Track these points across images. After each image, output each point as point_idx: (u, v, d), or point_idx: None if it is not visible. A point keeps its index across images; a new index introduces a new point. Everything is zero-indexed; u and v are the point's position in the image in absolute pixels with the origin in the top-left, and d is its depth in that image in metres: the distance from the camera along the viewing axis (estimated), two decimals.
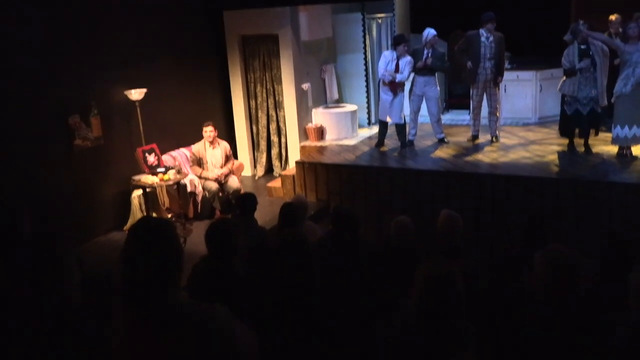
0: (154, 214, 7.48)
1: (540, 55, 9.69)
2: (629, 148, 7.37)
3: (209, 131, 7.80)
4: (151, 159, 7.64)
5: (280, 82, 9.30)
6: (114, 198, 7.64)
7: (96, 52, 7.30)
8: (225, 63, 9.52)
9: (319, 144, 9.24)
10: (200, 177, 7.84)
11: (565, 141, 7.93)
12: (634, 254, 3.75)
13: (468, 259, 4.37)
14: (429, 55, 8.27)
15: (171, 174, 7.40)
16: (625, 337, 2.87)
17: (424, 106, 8.66)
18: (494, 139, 8.56)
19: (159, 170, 7.42)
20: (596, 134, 8.08)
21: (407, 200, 7.53)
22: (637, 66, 6.98)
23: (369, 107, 10.40)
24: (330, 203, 8.03)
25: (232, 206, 7.70)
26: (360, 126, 10.12)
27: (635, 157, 7.31)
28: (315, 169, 8.23)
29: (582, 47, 7.33)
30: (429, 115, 8.68)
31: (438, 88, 8.63)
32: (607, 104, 7.45)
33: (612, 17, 8.39)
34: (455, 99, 10.89)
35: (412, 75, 8.45)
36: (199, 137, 8.05)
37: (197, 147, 7.91)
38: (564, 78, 7.55)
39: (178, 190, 7.60)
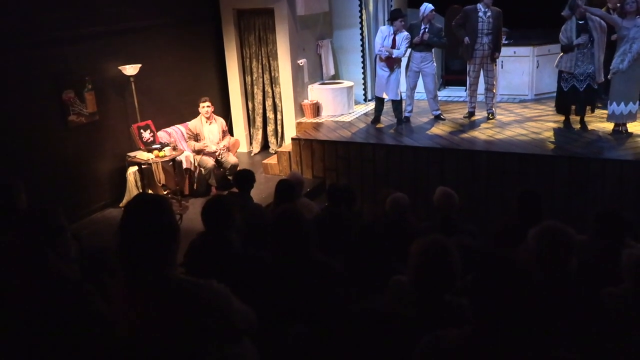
0: (150, 191, 7.48)
1: (537, 30, 9.63)
2: (625, 125, 7.38)
3: (206, 106, 7.77)
4: (146, 135, 7.61)
5: (276, 58, 9.23)
6: (109, 174, 7.62)
7: (90, 27, 7.22)
8: (221, 38, 9.43)
9: (315, 120, 9.21)
10: (198, 153, 7.81)
11: (562, 118, 7.93)
12: (626, 229, 3.78)
13: (463, 235, 4.40)
14: (426, 30, 8.20)
15: (167, 151, 7.38)
16: (617, 311, 2.91)
17: (420, 82, 8.63)
18: (490, 115, 8.55)
19: (154, 146, 7.40)
20: (592, 110, 8.08)
21: (403, 177, 7.54)
22: (634, 42, 6.95)
23: (365, 83, 10.35)
24: (326, 180, 8.04)
25: (228, 183, 7.71)
26: (357, 102, 10.08)
27: (631, 134, 7.32)
28: (311, 146, 8.22)
29: (580, 22, 7.28)
30: (426, 91, 8.65)
31: (435, 64, 8.58)
32: (604, 80, 7.43)
33: None
34: (451, 75, 10.85)
35: (409, 51, 8.39)
36: (195, 114, 8.01)
37: (193, 124, 7.87)
38: (562, 54, 7.51)
39: (174, 166, 7.60)
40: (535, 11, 9.21)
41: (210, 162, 7.79)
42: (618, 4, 7.69)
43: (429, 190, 7.20)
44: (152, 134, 7.68)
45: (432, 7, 8.21)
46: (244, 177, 5.46)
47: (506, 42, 9.12)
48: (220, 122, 8.03)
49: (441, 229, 4.37)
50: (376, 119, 8.75)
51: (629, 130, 7.38)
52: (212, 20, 9.32)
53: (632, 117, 7.29)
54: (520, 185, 6.53)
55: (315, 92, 9.52)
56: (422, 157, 7.44)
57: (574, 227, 3.06)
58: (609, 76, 7.25)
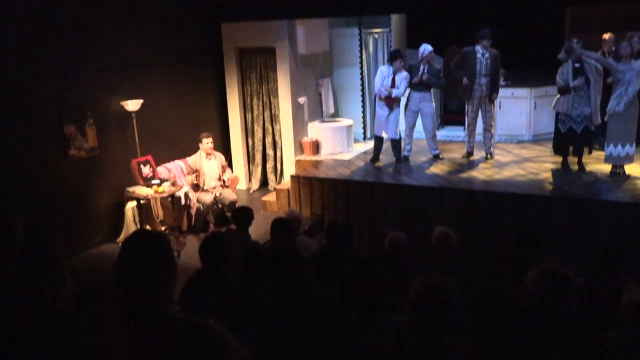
0: (148, 227, 7.46)
1: (534, 73, 9.77)
2: (622, 166, 7.43)
3: (210, 142, 7.84)
4: (146, 170, 7.63)
5: (276, 96, 9.34)
6: (107, 209, 7.61)
7: (93, 62, 7.32)
8: (222, 75, 9.56)
9: (314, 158, 9.26)
10: (195, 188, 7.82)
11: (559, 159, 7.98)
12: (625, 271, 3.77)
13: (461, 275, 4.37)
14: (425, 71, 8.33)
15: (166, 186, 7.39)
16: (617, 354, 2.87)
17: (419, 122, 8.71)
18: (488, 155, 8.60)
19: (153, 182, 7.41)
20: (590, 152, 8.13)
21: (402, 216, 7.54)
22: (629, 85, 7.06)
23: (364, 122, 10.44)
24: (324, 218, 8.03)
25: (227, 219, 7.69)
26: (356, 141, 10.15)
27: (628, 176, 7.36)
28: (310, 183, 8.24)
29: (576, 65, 7.40)
30: (424, 131, 8.72)
31: (434, 104, 8.68)
32: (601, 122, 7.51)
33: (606, 36, 8.51)
34: (450, 115, 10.96)
35: (408, 90, 8.49)
36: (195, 149, 8.05)
37: (193, 159, 7.91)
38: (558, 96, 7.61)
39: (172, 202, 7.59)
40: (532, 53, 9.36)
41: (209, 198, 7.80)
42: (613, 48, 7.85)
43: (427, 229, 7.19)
44: (151, 169, 7.70)
45: (431, 49, 8.36)
46: (242, 214, 5.46)
47: (504, 83, 9.24)
48: (219, 157, 8.08)
49: (440, 269, 4.35)
50: (375, 158, 8.79)
51: (627, 172, 7.42)
52: (214, 58, 9.46)
53: (629, 159, 7.34)
54: (518, 226, 6.54)
55: (315, 130, 9.60)
56: (421, 196, 7.46)
57: (572, 269, 3.05)
58: (605, 118, 7.33)
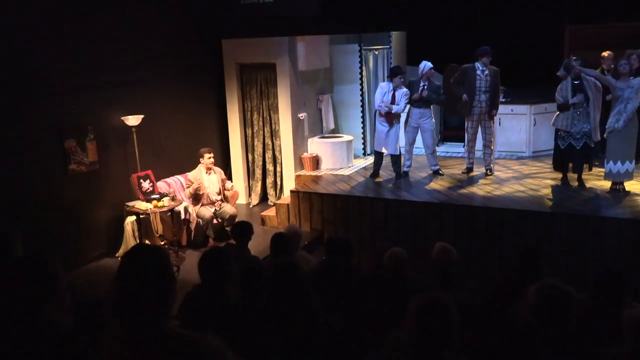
0: (147, 241, 7.44)
1: (534, 90, 9.82)
2: (622, 183, 7.43)
3: (211, 157, 7.89)
4: (146, 185, 7.63)
5: (276, 111, 9.37)
6: (107, 224, 7.60)
7: (94, 77, 7.35)
8: (223, 90, 9.60)
9: (314, 173, 9.27)
10: (195, 199, 7.81)
11: (559, 175, 7.99)
12: (625, 288, 3.75)
13: (462, 291, 4.36)
14: (425, 87, 8.37)
15: (165, 201, 7.39)
16: None
17: (419, 138, 8.73)
18: (488, 171, 8.61)
19: (153, 196, 7.41)
20: (589, 168, 8.14)
21: (401, 231, 7.53)
22: (628, 102, 7.09)
23: (364, 138, 10.47)
24: (324, 233, 8.02)
25: (226, 234, 7.68)
26: (356, 156, 10.17)
27: (628, 193, 7.36)
28: (310, 199, 8.24)
29: (575, 82, 7.43)
30: (424, 147, 8.74)
31: (433, 120, 8.71)
32: (600, 139, 7.53)
33: (605, 54, 8.57)
34: (450, 131, 10.99)
35: (408, 106, 8.53)
36: (195, 164, 8.07)
37: (194, 174, 7.92)
38: (558, 113, 7.64)
39: (172, 217, 7.59)
40: (531, 71, 9.41)
41: (208, 212, 7.79)
42: (612, 66, 7.90)
43: (427, 244, 7.17)
44: (151, 183, 7.70)
45: (431, 65, 8.40)
46: (242, 229, 5.45)
47: (504, 100, 9.28)
48: (219, 172, 8.11)
49: (439, 285, 4.33)
50: (375, 173, 8.80)
51: (627, 188, 7.42)
52: (215, 73, 9.51)
53: (628, 175, 7.35)
54: (518, 242, 6.54)
55: (315, 146, 9.62)
56: (421, 212, 7.45)
57: (573, 285, 3.04)
58: (604, 135, 7.35)
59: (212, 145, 8.90)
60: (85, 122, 7.26)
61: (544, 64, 8.47)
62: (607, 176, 7.45)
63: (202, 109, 9.37)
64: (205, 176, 7.91)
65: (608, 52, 8.60)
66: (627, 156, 7.26)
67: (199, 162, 7.95)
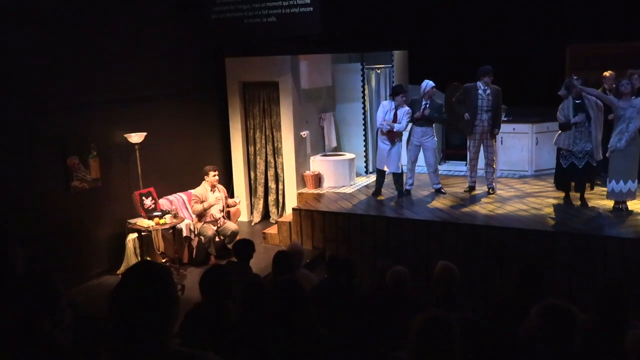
0: (149, 259, 7.42)
1: (535, 109, 9.84)
2: (625, 202, 7.41)
3: (216, 175, 7.96)
4: (148, 202, 7.64)
5: (279, 129, 9.41)
6: (108, 241, 7.60)
7: (97, 94, 7.40)
8: (225, 108, 9.65)
9: (316, 191, 9.27)
10: (200, 217, 7.82)
11: (561, 194, 7.98)
12: (629, 308, 3.73)
13: (464, 310, 4.33)
14: (427, 106, 8.40)
15: (167, 218, 7.39)
16: None
17: (421, 156, 8.74)
18: (490, 190, 8.61)
19: (155, 214, 7.42)
20: (592, 187, 8.13)
21: (403, 250, 7.50)
22: (630, 121, 7.09)
23: (366, 156, 10.48)
24: (326, 251, 8.00)
25: (228, 251, 7.67)
26: (358, 174, 10.18)
27: (631, 212, 7.34)
28: (311, 216, 8.23)
29: (577, 101, 7.45)
30: (426, 165, 8.75)
31: (435, 138, 8.72)
32: (602, 157, 7.53)
33: (607, 73, 8.61)
34: (452, 149, 11.00)
35: (409, 125, 8.55)
36: (197, 182, 8.08)
37: (200, 191, 7.95)
38: (560, 132, 7.65)
39: (173, 234, 7.58)
40: (533, 90, 9.43)
41: (210, 230, 7.79)
42: (614, 85, 7.92)
43: (429, 263, 7.16)
44: (153, 201, 7.71)
45: (433, 84, 8.44)
46: (244, 247, 5.45)
47: (505, 118, 9.30)
48: (222, 189, 8.15)
49: (441, 303, 4.30)
50: (377, 191, 8.80)
51: (629, 208, 7.40)
52: (218, 92, 9.57)
53: (631, 195, 7.33)
54: (520, 261, 6.50)
55: (317, 164, 9.63)
56: (422, 231, 7.43)
57: (576, 304, 3.02)
58: (607, 154, 7.35)
59: (215, 162, 8.93)
60: (88, 139, 7.29)
61: (545, 83, 8.49)
62: (609, 195, 7.43)
63: (205, 127, 9.41)
64: (210, 193, 7.93)
65: (610, 71, 8.64)
66: (630, 175, 7.25)
67: (204, 180, 7.96)
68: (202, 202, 7.84)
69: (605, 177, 7.63)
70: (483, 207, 7.94)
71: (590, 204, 7.71)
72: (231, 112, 9.66)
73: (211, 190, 7.96)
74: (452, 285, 4.64)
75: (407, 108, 8.36)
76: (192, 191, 8.10)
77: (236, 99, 9.59)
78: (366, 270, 7.42)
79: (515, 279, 4.40)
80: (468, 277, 6.97)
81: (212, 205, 7.84)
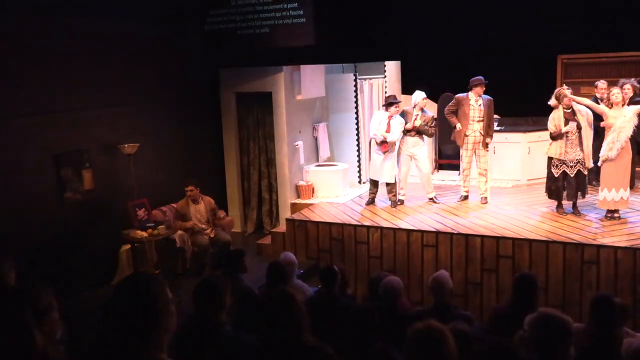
0: (142, 269, 7.39)
1: (527, 118, 9.89)
2: (617, 211, 7.45)
3: (191, 189, 7.86)
4: (141, 213, 7.61)
5: (272, 140, 9.42)
6: (102, 252, 7.56)
7: (90, 105, 7.40)
8: (219, 119, 9.66)
9: (310, 201, 9.27)
10: (186, 232, 7.79)
11: (554, 203, 8.01)
12: (622, 316, 3.74)
13: (458, 320, 4.33)
14: (418, 117, 8.43)
15: (161, 229, 7.36)
16: None
17: (414, 166, 8.76)
18: (483, 200, 8.63)
19: (148, 225, 7.39)
20: (583, 196, 8.16)
21: (397, 260, 7.51)
22: (621, 131, 7.16)
23: (360, 166, 10.50)
24: (320, 261, 7.98)
25: (222, 262, 7.63)
26: (352, 184, 10.19)
27: (623, 220, 7.38)
28: (305, 227, 8.22)
29: (567, 111, 7.51)
30: (420, 175, 8.76)
31: (427, 148, 8.74)
32: (593, 166, 7.58)
33: (598, 83, 8.68)
34: (445, 159, 11.04)
35: (402, 135, 8.58)
36: None
37: (180, 204, 7.94)
38: (551, 141, 7.69)
39: (167, 245, 7.55)
40: (525, 99, 9.49)
41: (204, 240, 7.77)
42: (605, 94, 7.99)
43: (423, 273, 7.18)
44: (146, 212, 7.69)
45: (424, 95, 8.48)
46: (236, 258, 5.43)
47: (498, 128, 9.35)
48: (207, 201, 8.07)
49: (436, 314, 4.30)
50: (371, 201, 8.81)
51: (621, 216, 7.44)
52: (212, 102, 9.58)
53: (623, 203, 7.37)
54: (514, 270, 6.52)
55: (311, 174, 9.64)
56: (416, 241, 7.44)
57: (570, 313, 3.03)
58: (599, 163, 7.40)
59: (208, 173, 8.93)
60: (82, 150, 7.27)
61: (537, 93, 8.53)
62: (601, 204, 7.48)
63: (199, 137, 9.41)
64: (192, 205, 7.90)
65: (602, 81, 8.72)
66: (622, 184, 7.30)
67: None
68: (182, 215, 7.84)
69: (597, 185, 7.66)
70: (476, 217, 7.96)
71: (583, 212, 7.75)
72: (225, 123, 9.67)
73: (193, 202, 7.91)
74: (446, 295, 4.65)
75: (400, 118, 8.40)
76: (175, 204, 8.07)
77: (230, 109, 9.61)
78: (360, 280, 7.42)
79: (510, 290, 4.41)
80: (462, 287, 6.99)
81: (188, 227, 7.78)
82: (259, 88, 9.39)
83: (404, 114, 8.52)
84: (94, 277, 7.46)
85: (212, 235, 7.92)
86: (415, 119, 8.42)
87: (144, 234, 7.24)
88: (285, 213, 9.20)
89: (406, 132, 8.52)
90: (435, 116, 8.92)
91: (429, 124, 8.51)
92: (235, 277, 5.23)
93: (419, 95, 8.45)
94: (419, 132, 8.51)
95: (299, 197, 9.45)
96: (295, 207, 9.16)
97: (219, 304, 3.40)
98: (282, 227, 8.70)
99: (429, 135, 8.87)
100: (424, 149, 8.63)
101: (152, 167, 8.28)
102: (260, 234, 9.46)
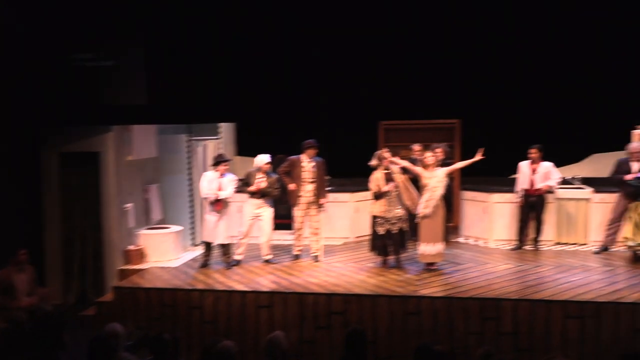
0: None
1: (354, 179, 10.50)
2: (434, 263, 8.12)
3: (22, 255, 7.21)
4: None
5: (100, 202, 8.91)
6: None
7: None
8: (39, 181, 8.91)
9: (140, 267, 8.83)
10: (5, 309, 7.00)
11: (379, 258, 8.50)
12: None
13: None
14: (263, 180, 8.52)
15: None
16: None
17: (256, 227, 8.75)
18: (316, 258, 8.87)
19: None
20: (404, 251, 8.77)
21: (231, 324, 7.37)
22: (435, 190, 7.93)
23: (193, 228, 10.29)
24: (151, 330, 7.55)
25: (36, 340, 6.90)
26: (185, 248, 9.92)
27: (439, 272, 8.04)
28: (134, 294, 7.78)
29: (386, 171, 8.16)
30: (262, 235, 8.75)
31: (271, 209, 8.79)
32: (412, 223, 8.25)
33: (414, 146, 9.58)
34: (279, 219, 11.22)
35: (245, 197, 8.59)
36: (2, 264, 7.28)
37: (4, 273, 7.15)
38: (374, 200, 8.25)
39: None
40: (352, 161, 10.07)
41: (23, 316, 6.99)
42: (420, 157, 8.81)
43: (258, 335, 7.11)
44: None
45: (268, 159, 8.60)
46: (53, 334, 4.95)
47: (328, 189, 9.77)
48: (30, 270, 7.41)
49: None
50: (204, 264, 8.62)
51: (438, 268, 8.12)
52: (30, 163, 8.81)
53: (440, 255, 8.10)
54: (346, 325, 6.73)
55: (142, 238, 9.24)
56: (251, 302, 7.39)
57: None
58: (415, 220, 8.08)
59: (23, 241, 8.11)
60: None
61: (363, 155, 9.10)
62: (421, 257, 8.11)
63: (12, 202, 8.52)
64: (18, 274, 7.20)
65: (417, 144, 9.64)
66: (438, 238, 8.02)
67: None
68: (4, 287, 7.11)
69: (416, 240, 8.31)
70: (309, 275, 8.14)
71: (405, 266, 8.33)
72: (46, 185, 8.95)
73: (20, 272, 7.22)
74: (279, 357, 4.63)
75: (231, 175, 8.45)
76: None
77: (52, 170, 8.95)
78: (194, 348, 7.14)
79: (342, 344, 4.53)
80: (299, 346, 7.03)
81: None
82: (85, 148, 8.91)
83: (248, 176, 8.58)
84: None
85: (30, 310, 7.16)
86: (261, 181, 8.51)
87: None
88: (112, 281, 8.65)
89: (252, 194, 8.57)
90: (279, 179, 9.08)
91: (273, 186, 8.65)
92: (49, 357, 4.75)
93: (263, 159, 8.58)
94: (263, 194, 8.60)
95: (128, 262, 8.96)
96: (123, 274, 8.66)
97: None
98: (109, 296, 8.14)
99: (274, 197, 8.97)
100: (269, 210, 8.71)
101: None
102: (84, 305, 8.74)
